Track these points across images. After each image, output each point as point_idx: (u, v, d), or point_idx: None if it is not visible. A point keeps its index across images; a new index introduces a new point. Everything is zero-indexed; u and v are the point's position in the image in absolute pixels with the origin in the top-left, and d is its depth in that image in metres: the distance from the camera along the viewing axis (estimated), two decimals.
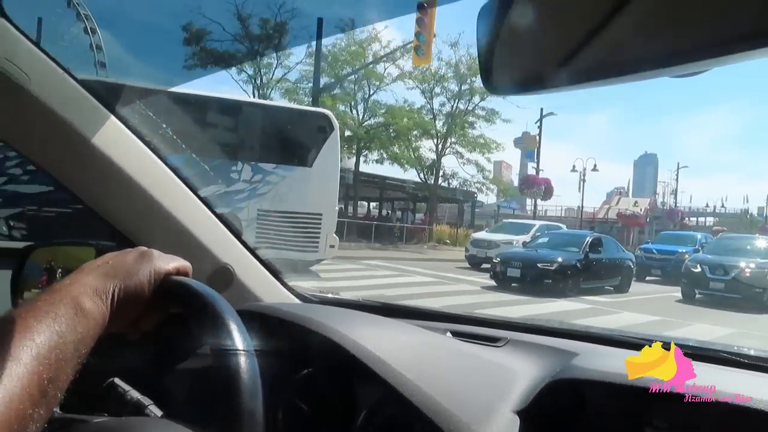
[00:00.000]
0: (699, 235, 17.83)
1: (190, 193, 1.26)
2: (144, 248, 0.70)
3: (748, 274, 11.26)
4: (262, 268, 1.31)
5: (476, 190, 29.04)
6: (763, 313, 10.27)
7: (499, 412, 0.87)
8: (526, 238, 15.61)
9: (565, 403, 0.87)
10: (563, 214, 41.94)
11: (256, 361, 0.59)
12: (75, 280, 0.62)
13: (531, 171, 33.76)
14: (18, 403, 0.48)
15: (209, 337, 0.61)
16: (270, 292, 1.30)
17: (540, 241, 13.97)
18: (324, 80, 21.48)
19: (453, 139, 27.19)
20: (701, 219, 57.04)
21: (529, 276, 11.43)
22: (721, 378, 0.84)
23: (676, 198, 50.19)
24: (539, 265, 11.57)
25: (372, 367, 0.87)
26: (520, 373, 0.97)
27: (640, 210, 38.33)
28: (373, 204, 31.02)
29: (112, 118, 1.18)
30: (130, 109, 1.25)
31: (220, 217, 1.28)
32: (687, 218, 48.80)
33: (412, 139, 26.58)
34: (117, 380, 0.97)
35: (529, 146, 34.91)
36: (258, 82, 23.33)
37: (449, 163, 33.76)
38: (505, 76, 0.49)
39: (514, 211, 38.55)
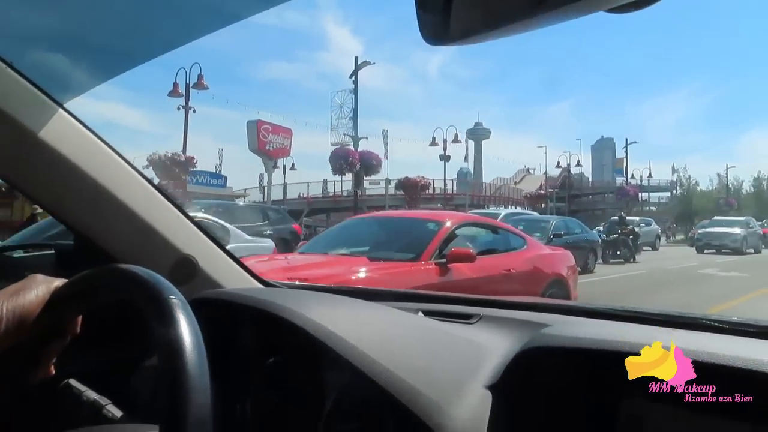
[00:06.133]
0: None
1: (147, 185, 1.21)
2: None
3: None
4: (226, 257, 1.28)
5: None
6: None
7: (469, 388, 0.84)
8: None
9: (537, 373, 0.85)
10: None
11: (205, 351, 0.54)
12: None
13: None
14: None
15: (150, 324, 0.56)
16: (235, 280, 1.26)
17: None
18: None
19: None
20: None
21: None
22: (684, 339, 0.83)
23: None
24: None
25: (335, 348, 0.83)
26: (492, 348, 0.94)
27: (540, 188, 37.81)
28: None
29: (61, 111, 1.13)
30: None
31: (179, 208, 1.24)
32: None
33: None
34: (72, 381, 0.93)
35: None
36: None
37: None
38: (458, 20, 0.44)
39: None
